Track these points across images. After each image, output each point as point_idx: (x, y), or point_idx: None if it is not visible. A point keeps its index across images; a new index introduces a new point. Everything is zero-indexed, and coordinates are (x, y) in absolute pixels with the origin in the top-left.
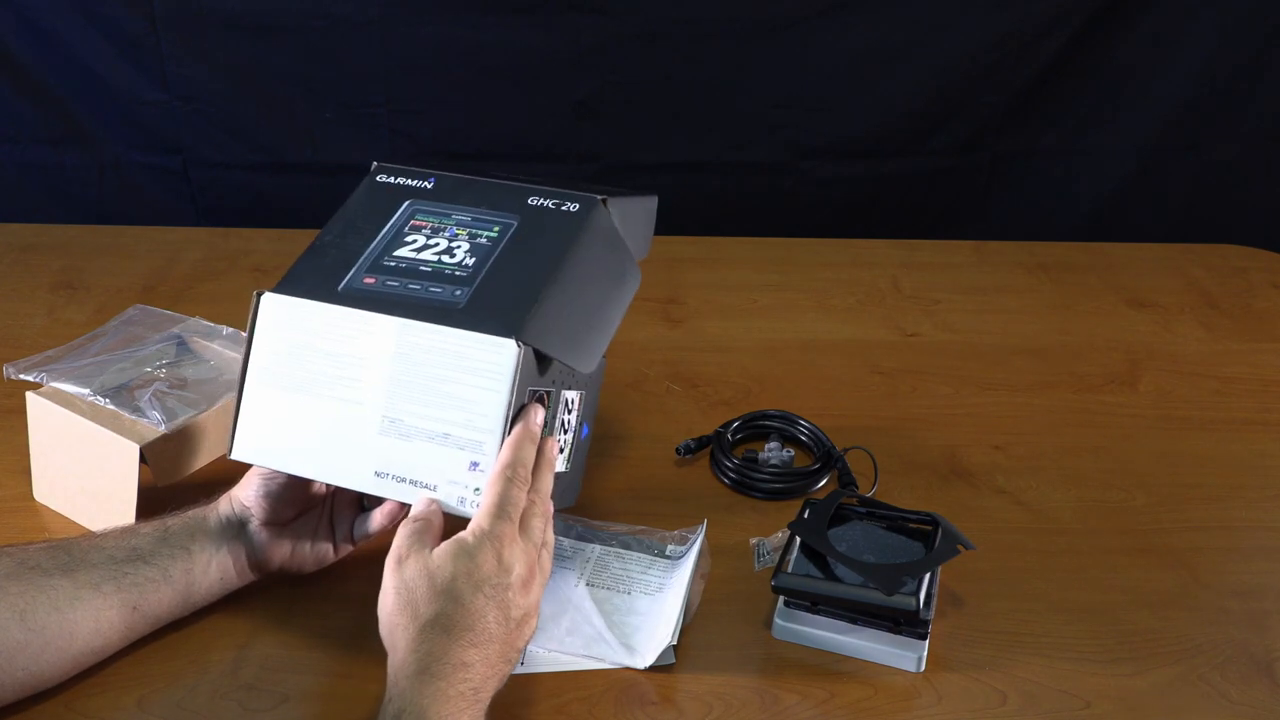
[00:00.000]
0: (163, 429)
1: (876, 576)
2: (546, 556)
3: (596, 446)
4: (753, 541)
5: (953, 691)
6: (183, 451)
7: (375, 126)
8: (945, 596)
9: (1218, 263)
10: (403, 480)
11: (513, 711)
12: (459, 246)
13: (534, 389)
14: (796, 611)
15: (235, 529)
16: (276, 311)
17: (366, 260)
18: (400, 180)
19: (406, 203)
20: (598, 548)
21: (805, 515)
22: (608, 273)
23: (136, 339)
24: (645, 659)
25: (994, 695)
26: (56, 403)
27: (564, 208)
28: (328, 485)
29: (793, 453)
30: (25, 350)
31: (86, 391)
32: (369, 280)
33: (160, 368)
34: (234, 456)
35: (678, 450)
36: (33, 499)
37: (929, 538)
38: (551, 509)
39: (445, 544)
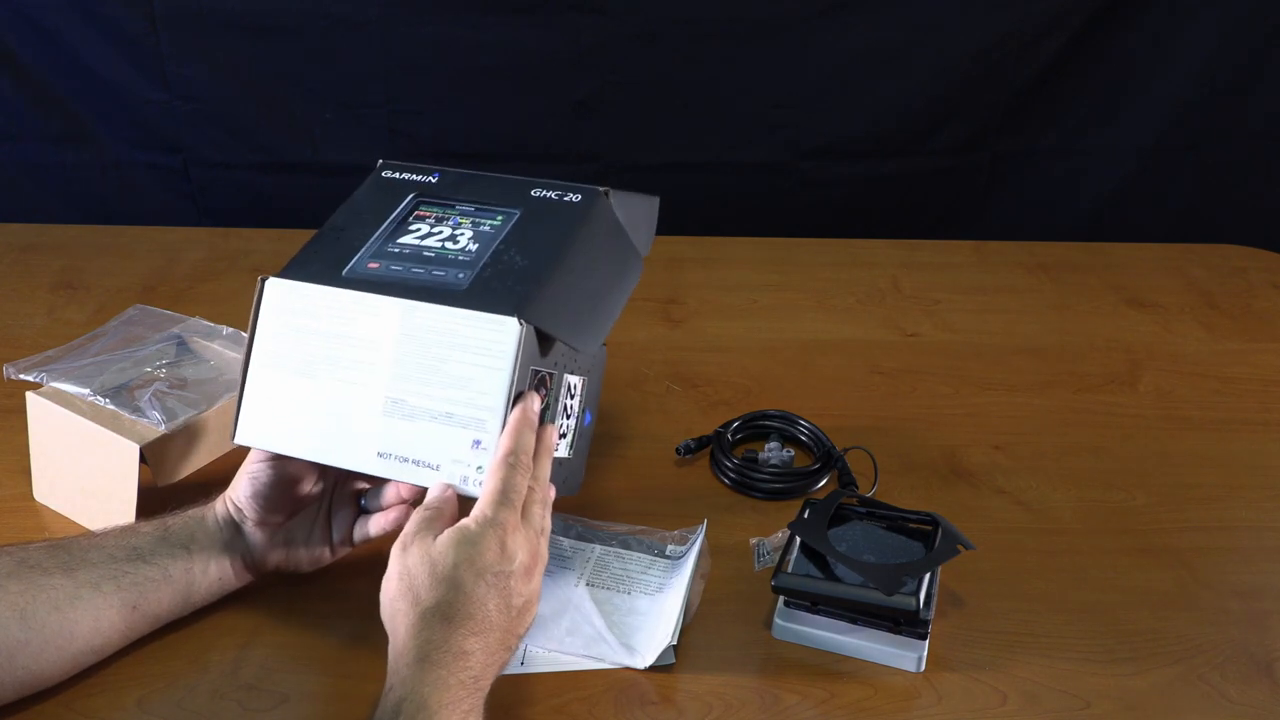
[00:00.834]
0: (163, 429)
1: (876, 576)
2: (543, 543)
3: (596, 447)
4: (753, 541)
5: (953, 691)
6: (183, 451)
7: (375, 126)
8: (945, 596)
9: (1218, 263)
10: (405, 460)
11: (513, 711)
12: (462, 234)
13: (536, 369)
14: (796, 611)
15: (232, 530)
16: (280, 296)
17: (371, 247)
18: (405, 175)
19: (411, 195)
20: (598, 548)
21: (805, 515)
22: (610, 259)
23: (136, 339)
24: (645, 659)
25: (994, 695)
26: (56, 403)
27: (566, 198)
28: (323, 487)
29: (793, 453)
30: (25, 350)
31: (86, 391)
32: (373, 265)
33: (160, 368)
34: (237, 441)
35: (678, 450)
36: (33, 499)
37: (929, 538)
38: (552, 495)
39: (448, 531)
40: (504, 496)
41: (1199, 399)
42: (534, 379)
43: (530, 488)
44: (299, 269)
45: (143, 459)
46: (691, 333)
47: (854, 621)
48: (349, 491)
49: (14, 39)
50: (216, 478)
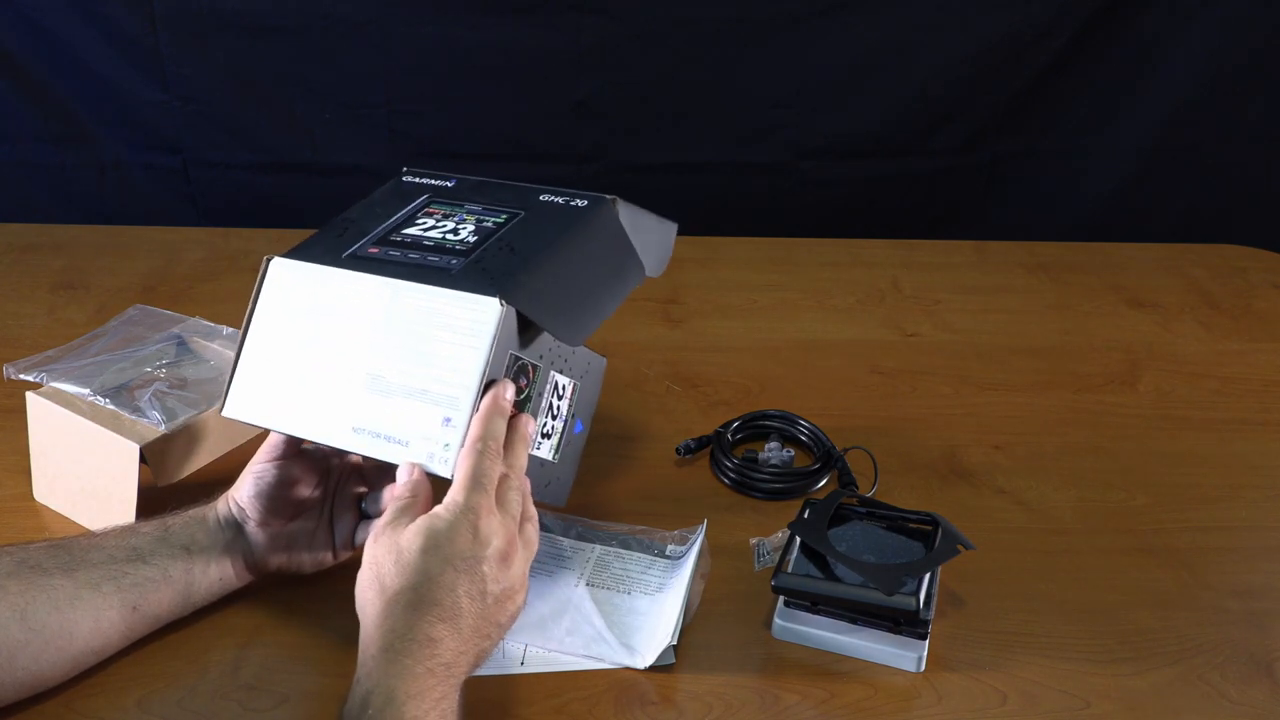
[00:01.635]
0: (163, 429)
1: (876, 576)
2: (532, 530)
3: (596, 446)
4: (753, 541)
5: (953, 691)
6: (183, 451)
7: (375, 126)
8: (945, 596)
9: (1218, 263)
10: (378, 436)
11: (513, 711)
12: (465, 227)
13: (518, 356)
14: (796, 611)
15: (233, 530)
16: (282, 275)
17: (376, 235)
18: (424, 180)
19: (425, 195)
20: (598, 548)
21: (805, 515)
22: (607, 261)
23: (136, 339)
24: (645, 659)
25: (994, 695)
26: (56, 403)
27: (573, 203)
28: (324, 490)
29: (793, 453)
30: (25, 350)
31: (86, 391)
32: (373, 250)
33: (160, 368)
34: (225, 414)
35: (678, 450)
36: (33, 499)
37: (929, 538)
38: (529, 485)
39: (419, 519)
40: (475, 482)
41: (1199, 399)
42: (514, 366)
43: (505, 475)
44: (304, 251)
45: (143, 459)
46: (691, 333)
47: (854, 621)
48: (350, 495)
49: (14, 39)
50: (216, 478)
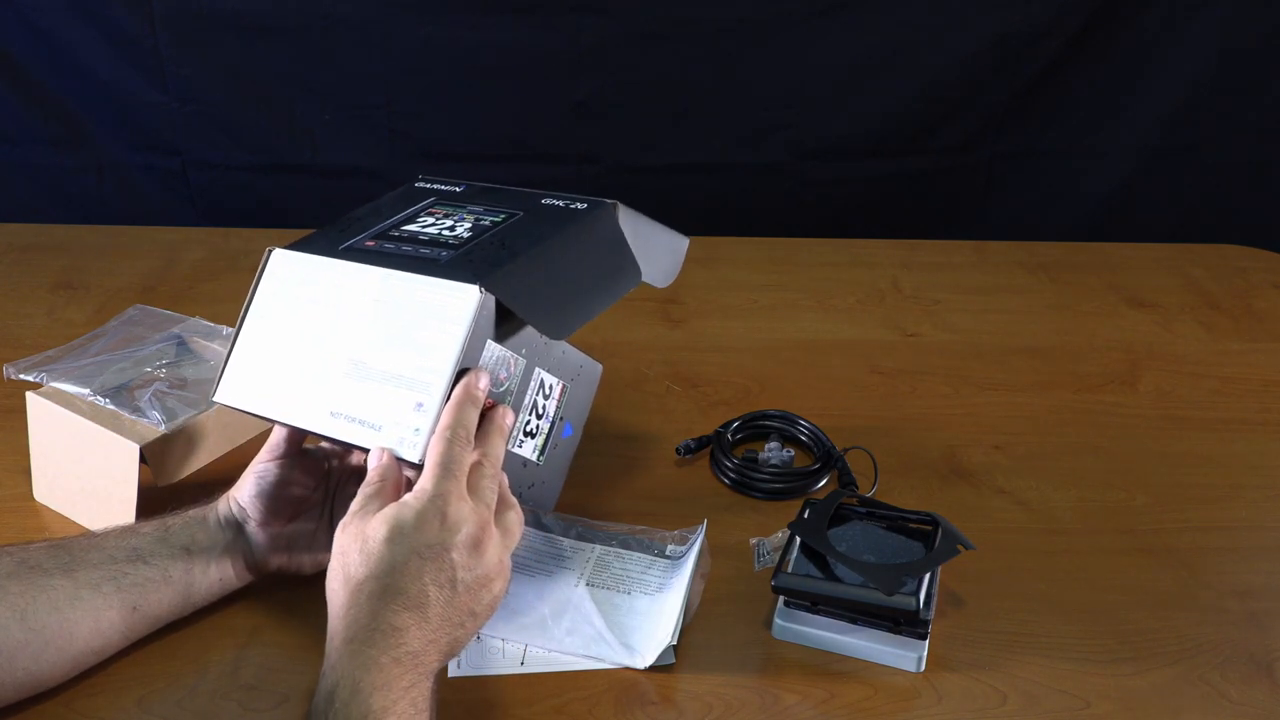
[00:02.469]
0: (163, 429)
1: (876, 576)
2: (514, 518)
3: (596, 446)
4: (753, 541)
5: (953, 691)
6: (183, 451)
7: (375, 127)
8: (945, 596)
9: (1218, 263)
10: (353, 420)
11: (513, 711)
12: (462, 225)
13: (498, 346)
14: (796, 611)
15: (234, 530)
16: (282, 266)
17: (375, 230)
18: (435, 185)
19: (431, 198)
20: (598, 548)
21: (805, 515)
22: (598, 261)
23: (136, 339)
24: (645, 659)
25: (994, 695)
26: (56, 403)
27: (573, 206)
28: (325, 491)
29: (793, 453)
30: (25, 350)
31: (86, 391)
32: (369, 244)
33: (160, 368)
34: (214, 399)
35: (678, 450)
36: (33, 499)
37: (929, 538)
38: (506, 478)
39: (387, 507)
40: (444, 469)
41: (1199, 399)
42: (493, 357)
43: (479, 463)
44: (304, 244)
45: (143, 459)
46: (691, 333)
47: (854, 621)
48: (350, 495)
49: (13, 40)
50: (216, 478)
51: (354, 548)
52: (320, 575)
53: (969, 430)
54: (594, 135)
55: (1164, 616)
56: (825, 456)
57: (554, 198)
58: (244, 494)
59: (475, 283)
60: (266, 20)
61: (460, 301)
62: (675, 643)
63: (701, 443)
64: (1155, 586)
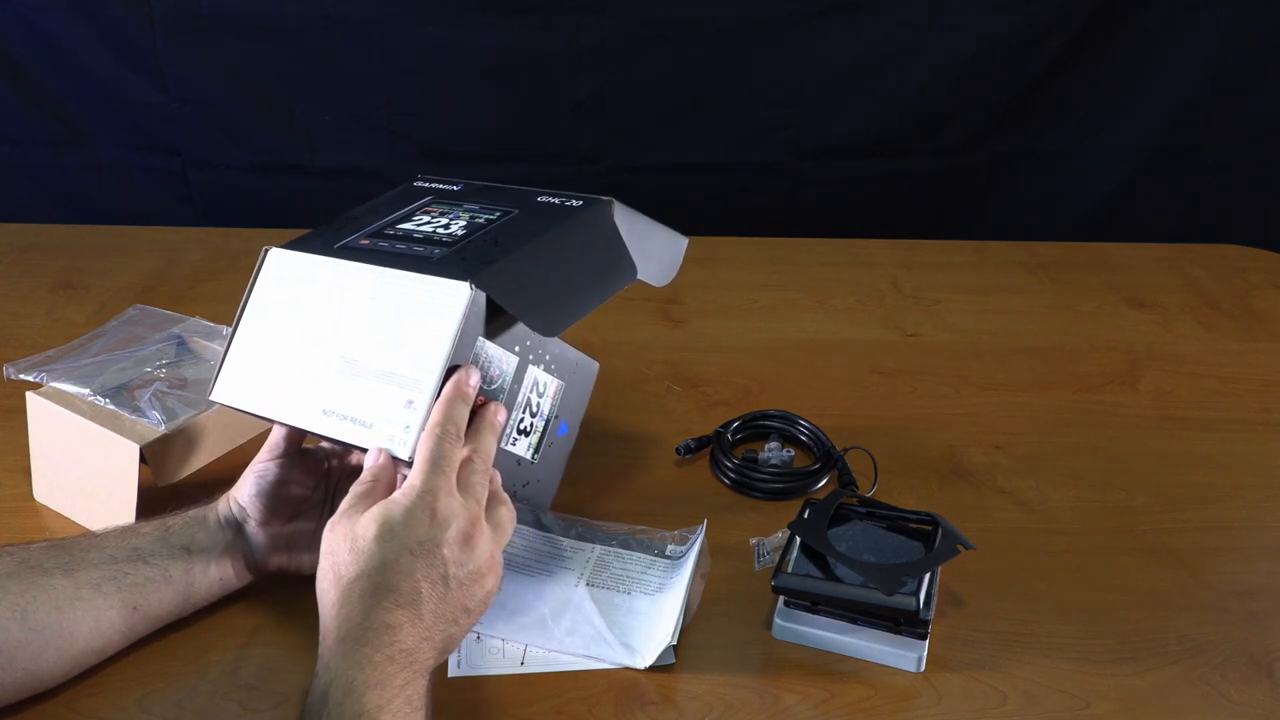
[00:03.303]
0: (163, 429)
1: (876, 576)
2: (506, 513)
3: (596, 446)
4: (753, 541)
5: (953, 691)
6: (183, 451)
7: (374, 128)
8: (945, 596)
9: (1218, 263)
10: (344, 418)
11: (513, 711)
12: (457, 223)
13: (490, 343)
14: (796, 611)
15: (234, 530)
16: (278, 265)
17: (370, 229)
18: (433, 184)
19: (429, 197)
20: (598, 548)
21: (805, 515)
22: (593, 258)
23: (136, 339)
24: (645, 659)
25: (994, 695)
26: (56, 403)
27: (568, 203)
28: (325, 490)
29: (793, 453)
30: (25, 350)
31: (86, 391)
32: (364, 242)
33: (160, 368)
34: (211, 397)
35: (678, 450)
36: (33, 499)
37: (929, 538)
38: (499, 476)
39: (376, 505)
40: (434, 465)
41: (1199, 399)
42: (484, 353)
43: (469, 459)
44: (301, 243)
45: (143, 459)
46: (691, 333)
47: (854, 621)
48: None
49: (12, 40)
50: (216, 478)
51: (344, 546)
52: None
53: (969, 430)
54: (594, 135)
55: (1164, 616)
56: (825, 456)
57: (550, 195)
58: (244, 494)
59: (466, 280)
60: (266, 20)
61: (451, 298)
62: (675, 643)
63: (701, 443)
64: (1155, 586)
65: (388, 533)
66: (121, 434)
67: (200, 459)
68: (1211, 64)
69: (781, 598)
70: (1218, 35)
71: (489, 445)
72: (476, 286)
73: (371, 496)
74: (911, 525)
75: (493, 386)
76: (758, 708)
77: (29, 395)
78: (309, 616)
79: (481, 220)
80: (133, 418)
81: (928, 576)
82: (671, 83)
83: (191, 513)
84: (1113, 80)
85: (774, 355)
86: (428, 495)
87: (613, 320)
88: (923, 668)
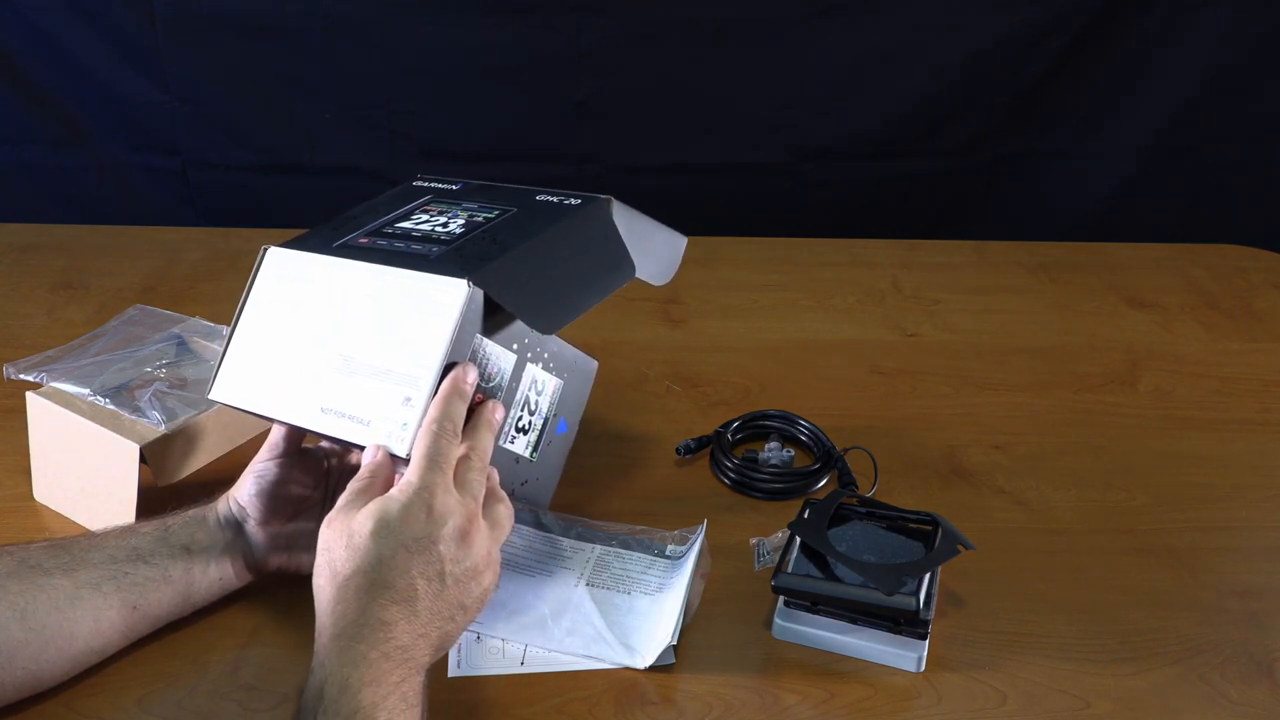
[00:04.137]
0: (163, 429)
1: (876, 576)
2: (503, 510)
3: (596, 446)
4: (753, 541)
5: (953, 691)
6: (183, 451)
7: (374, 127)
8: (945, 596)
9: (1218, 263)
10: (342, 415)
11: (513, 711)
12: (455, 221)
13: (487, 341)
14: (796, 611)
15: (234, 529)
16: (277, 264)
17: (369, 228)
18: (432, 184)
19: (428, 196)
20: (598, 548)
21: (805, 515)
22: (591, 256)
23: (136, 339)
24: (645, 659)
25: (994, 695)
26: (56, 403)
27: (567, 202)
28: (324, 490)
29: (793, 453)
30: (25, 350)
31: (86, 391)
32: (363, 241)
33: (160, 368)
34: (210, 396)
35: (678, 450)
36: (33, 499)
37: (929, 538)
38: (495, 472)
39: (373, 501)
40: (431, 462)
41: (1199, 399)
42: (482, 351)
43: (466, 456)
44: (300, 241)
45: (143, 459)
46: (691, 333)
47: (854, 621)
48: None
49: (13, 40)
50: (216, 478)
51: (339, 543)
52: None
53: (969, 430)
54: (594, 135)
55: (1164, 616)
56: (825, 456)
57: (549, 194)
58: (243, 493)
59: (463, 277)
60: (266, 20)
61: (448, 296)
62: (675, 643)
63: (701, 443)
64: (1155, 586)
65: (384, 529)
66: (121, 434)
67: (200, 459)
68: (1211, 64)
69: (781, 598)
70: (1218, 35)
71: (486, 443)
72: (474, 284)
73: (369, 493)
74: (911, 525)
75: (490, 384)
76: (758, 708)
77: (29, 395)
78: (309, 616)
79: (480, 219)
80: (133, 418)
81: (928, 576)
82: (672, 83)
83: (191, 512)
84: (1113, 80)
85: (774, 355)
86: (424, 492)
87: (613, 320)
88: (923, 668)
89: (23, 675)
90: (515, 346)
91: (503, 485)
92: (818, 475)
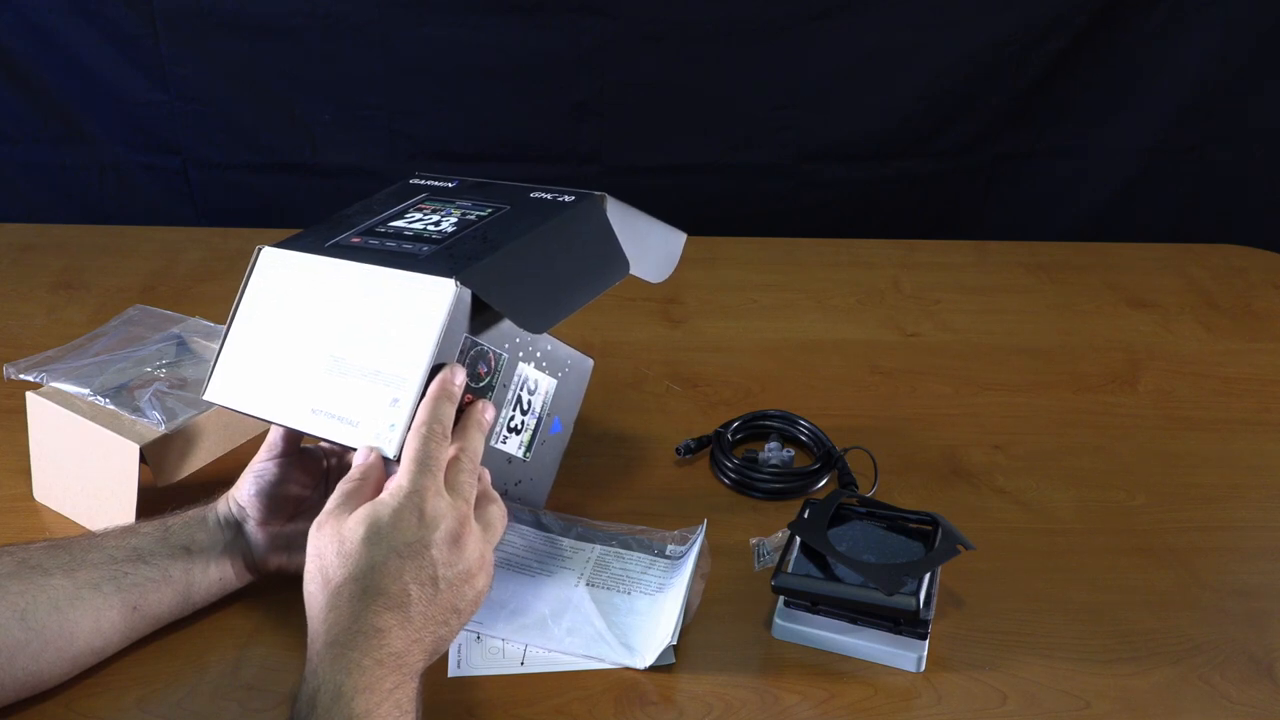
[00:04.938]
0: (163, 429)
1: (876, 576)
2: (496, 512)
3: (596, 446)
4: (753, 541)
5: (953, 691)
6: (183, 451)
7: (374, 127)
8: (945, 596)
9: (1218, 263)
10: (332, 416)
11: (513, 711)
12: (448, 220)
13: (476, 341)
14: (796, 611)
15: (233, 529)
16: (271, 264)
17: (362, 227)
18: (428, 182)
19: (423, 194)
20: (598, 548)
21: (805, 515)
22: (583, 254)
23: (136, 339)
24: (645, 659)
25: (994, 695)
26: (56, 403)
27: (560, 199)
28: (324, 490)
29: (793, 453)
30: (25, 350)
31: (86, 391)
32: (355, 240)
33: (160, 368)
34: (205, 397)
35: (678, 450)
36: (33, 499)
37: (929, 538)
38: (487, 473)
39: (363, 506)
40: (420, 465)
41: (1199, 399)
42: (471, 351)
43: (457, 458)
44: (294, 241)
45: (143, 459)
46: (691, 333)
47: (854, 621)
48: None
49: (13, 40)
50: (216, 478)
51: (331, 549)
52: None
53: (969, 430)
54: (594, 135)
55: (1164, 616)
56: (825, 456)
57: (543, 191)
58: (243, 493)
59: (451, 276)
60: (266, 20)
61: (436, 295)
62: (675, 643)
63: (701, 443)
64: (1155, 586)
65: (375, 535)
66: (121, 434)
67: (200, 459)
68: (1212, 64)
69: (781, 598)
70: (1217, 36)
71: (476, 444)
72: (462, 283)
73: (359, 496)
74: (911, 525)
75: (481, 384)
76: (758, 708)
77: (29, 395)
78: None
79: (473, 217)
80: (133, 418)
81: (928, 576)
82: (671, 83)
83: (191, 513)
84: (1112, 80)
85: (774, 355)
86: (415, 496)
87: (613, 320)
88: (923, 668)
89: (23, 675)
90: (506, 345)
91: (495, 485)
92: (818, 475)
